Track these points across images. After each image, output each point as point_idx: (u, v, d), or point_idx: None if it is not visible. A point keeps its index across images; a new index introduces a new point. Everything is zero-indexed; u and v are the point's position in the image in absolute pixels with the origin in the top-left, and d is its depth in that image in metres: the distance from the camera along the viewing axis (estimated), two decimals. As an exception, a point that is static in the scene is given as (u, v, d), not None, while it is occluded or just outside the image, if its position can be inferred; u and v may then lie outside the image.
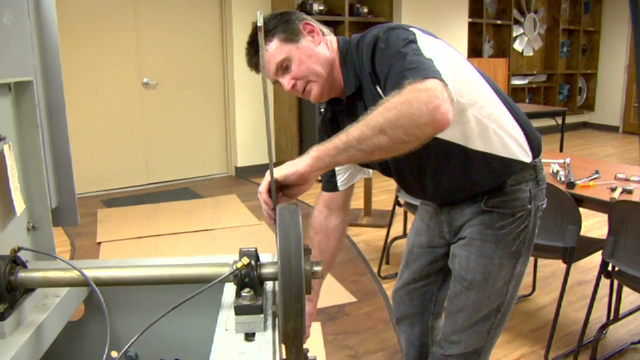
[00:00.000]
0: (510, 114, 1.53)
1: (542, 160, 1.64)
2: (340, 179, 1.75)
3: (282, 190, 1.23)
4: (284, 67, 1.47)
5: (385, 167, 1.64)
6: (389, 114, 1.11)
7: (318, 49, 1.47)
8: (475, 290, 1.62)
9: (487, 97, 1.49)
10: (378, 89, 1.39)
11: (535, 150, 1.57)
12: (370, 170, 1.81)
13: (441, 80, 1.15)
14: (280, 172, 1.19)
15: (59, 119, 1.60)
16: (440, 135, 1.42)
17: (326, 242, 1.82)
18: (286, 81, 1.48)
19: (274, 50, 1.45)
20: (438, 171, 1.54)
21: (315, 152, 1.18)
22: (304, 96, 1.52)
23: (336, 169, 1.74)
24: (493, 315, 1.66)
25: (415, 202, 3.31)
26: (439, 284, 1.89)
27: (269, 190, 1.20)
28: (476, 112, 1.44)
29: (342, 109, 1.56)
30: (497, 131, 1.48)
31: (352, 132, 1.14)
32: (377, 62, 1.35)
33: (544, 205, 1.62)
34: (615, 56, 9.65)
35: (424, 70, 1.19)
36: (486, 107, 1.47)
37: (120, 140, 5.96)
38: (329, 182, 1.77)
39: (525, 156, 1.53)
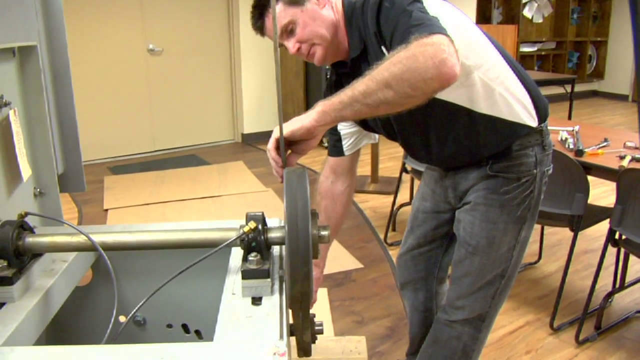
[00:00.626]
0: (517, 77, 1.51)
1: (551, 128, 1.62)
2: (346, 144, 1.74)
3: (290, 146, 1.22)
4: (288, 30, 1.46)
5: (391, 131, 1.63)
6: (394, 68, 1.10)
7: (323, 11, 1.46)
8: (479, 256, 1.62)
9: (493, 60, 1.47)
10: (383, 49, 1.38)
11: (542, 115, 1.55)
12: (377, 136, 1.79)
13: (447, 35, 1.14)
14: (286, 128, 1.17)
15: (64, 84, 1.59)
16: (445, 98, 1.41)
17: (332, 207, 1.82)
18: (291, 44, 1.47)
19: (278, 13, 1.44)
20: (443, 134, 1.53)
21: (321, 107, 1.17)
22: (308, 59, 1.51)
23: (342, 133, 1.73)
24: (497, 280, 1.66)
25: (422, 168, 3.30)
26: (443, 250, 1.90)
27: (277, 148, 1.19)
28: (482, 74, 1.43)
29: (347, 71, 1.55)
30: (503, 94, 1.46)
31: (358, 86, 1.14)
32: (382, 22, 1.34)
33: (550, 171, 1.61)
34: (627, 23, 9.43)
35: (430, 26, 1.18)
36: (492, 69, 1.45)
37: (126, 107, 5.94)
38: (334, 147, 1.76)
39: (532, 120, 1.52)
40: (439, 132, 1.53)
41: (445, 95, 1.29)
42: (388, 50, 1.34)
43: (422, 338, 2.07)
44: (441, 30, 1.16)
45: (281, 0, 1.44)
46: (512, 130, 1.50)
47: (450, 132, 1.52)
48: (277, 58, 1.05)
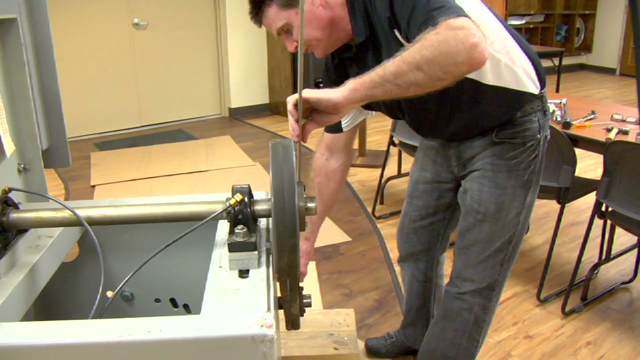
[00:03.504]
0: (519, 46, 1.52)
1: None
2: (345, 120, 1.74)
3: (311, 113, 1.21)
4: (285, 30, 1.48)
5: (393, 109, 1.63)
6: (426, 51, 1.11)
7: (317, 11, 1.44)
8: (488, 222, 1.63)
9: (497, 32, 1.48)
10: (397, 33, 1.37)
11: (542, 81, 1.57)
12: (374, 112, 1.79)
13: (469, 18, 1.16)
14: (314, 93, 1.16)
15: (47, 58, 1.56)
16: None
17: (326, 184, 1.82)
18: (289, 44, 1.49)
19: (272, 16, 1.45)
20: (452, 110, 1.54)
21: (352, 84, 1.17)
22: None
23: None
24: (505, 247, 1.68)
25: (411, 141, 3.31)
26: (446, 221, 1.91)
27: (296, 105, 1.18)
28: (488, 47, 1.42)
29: (351, 56, 1.54)
30: (508, 64, 1.48)
31: (389, 67, 1.14)
32: (396, 6, 1.33)
33: (549, 136, 1.64)
34: (615, -5, 9.48)
35: (452, 8, 1.20)
36: (497, 41, 1.46)
37: (112, 82, 5.87)
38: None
39: (534, 87, 1.54)
40: (447, 108, 1.54)
41: (475, 71, 1.29)
42: (402, 34, 1.34)
43: (419, 308, 2.10)
44: (463, 13, 1.18)
45: (275, 3, 1.44)
46: (517, 98, 1.52)
47: (458, 106, 1.53)
48: (301, 43, 1.03)
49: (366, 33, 1.45)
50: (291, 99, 1.18)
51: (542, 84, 1.57)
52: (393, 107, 1.62)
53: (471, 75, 1.45)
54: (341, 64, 1.61)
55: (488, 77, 1.47)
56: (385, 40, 1.42)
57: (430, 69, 1.11)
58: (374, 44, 1.47)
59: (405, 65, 1.13)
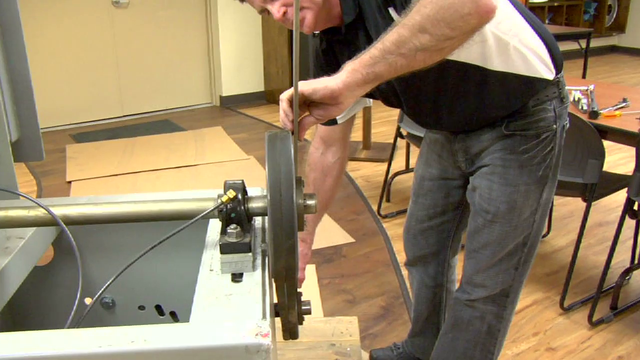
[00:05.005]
0: (531, 26, 1.50)
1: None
2: None
3: (308, 107, 1.18)
4: None
5: (391, 97, 1.62)
6: (425, 9, 1.09)
7: None
8: (499, 223, 1.63)
9: (505, 10, 1.46)
10: (391, 11, 1.36)
11: (558, 65, 1.55)
12: (371, 100, 1.78)
13: None
14: (309, 84, 1.13)
15: (15, 39, 1.56)
16: (455, 58, 1.40)
17: (322, 180, 1.82)
18: (276, 8, 1.41)
19: None
20: (454, 98, 1.53)
21: (350, 66, 1.13)
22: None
23: None
24: (519, 249, 1.67)
25: (420, 133, 3.30)
26: (457, 221, 1.91)
27: (291, 100, 1.15)
28: (494, 28, 1.41)
29: (340, 38, 1.53)
30: (517, 47, 1.46)
31: (389, 37, 1.12)
32: None
33: (568, 126, 1.62)
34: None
35: None
36: (505, 22, 1.44)
37: (90, 67, 5.87)
38: None
39: (549, 72, 1.51)
40: (449, 95, 1.53)
41: (456, 55, 1.27)
42: (397, 11, 1.32)
43: (429, 316, 2.10)
44: None
45: None
46: (529, 85, 1.50)
47: (461, 94, 1.52)
48: (296, 24, 1.02)
49: (355, 10, 1.42)
50: (285, 96, 1.16)
51: (558, 69, 1.55)
52: (388, 93, 1.61)
53: (476, 61, 1.44)
54: (330, 49, 1.59)
55: (494, 61, 1.45)
56: (374, 20, 1.40)
57: (434, 27, 1.09)
58: (364, 24, 1.44)
59: (406, 30, 1.10)
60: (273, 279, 0.98)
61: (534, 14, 1.56)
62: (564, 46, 6.14)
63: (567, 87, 1.61)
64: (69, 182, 4.33)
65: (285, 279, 0.96)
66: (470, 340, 1.81)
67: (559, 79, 1.56)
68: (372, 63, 1.12)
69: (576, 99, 2.94)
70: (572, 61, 7.42)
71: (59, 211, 1.09)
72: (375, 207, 3.81)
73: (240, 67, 6.57)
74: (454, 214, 1.89)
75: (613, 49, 9.99)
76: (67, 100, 5.77)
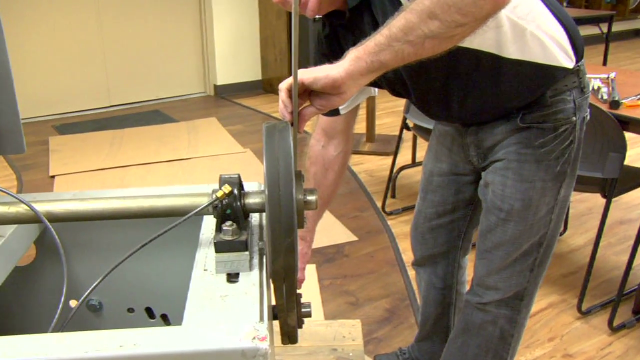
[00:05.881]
0: (550, 10, 1.49)
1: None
2: None
3: (309, 97, 1.18)
4: None
5: (395, 85, 1.62)
6: None
7: None
8: (514, 222, 1.62)
9: None
10: None
11: (579, 52, 1.54)
12: (376, 89, 1.78)
13: None
14: (309, 73, 1.13)
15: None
16: (468, 45, 1.40)
17: (323, 174, 1.82)
18: None
19: None
20: (466, 88, 1.52)
21: (354, 53, 1.13)
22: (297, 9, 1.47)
23: None
24: (535, 249, 1.67)
25: (428, 125, 3.30)
26: (467, 219, 1.91)
27: (291, 90, 1.15)
28: (510, 13, 1.41)
29: (344, 23, 1.52)
30: (535, 33, 1.44)
31: (396, 23, 1.11)
32: None
33: (588, 117, 1.61)
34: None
35: None
36: (521, 5, 1.43)
37: (75, 54, 5.87)
38: None
39: (568, 60, 1.50)
40: (461, 85, 1.52)
41: (468, 42, 1.27)
42: None
43: (437, 320, 2.10)
44: None
45: None
46: (546, 74, 1.49)
47: (474, 84, 1.51)
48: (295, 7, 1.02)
49: None
50: (284, 85, 1.16)
51: (579, 56, 1.54)
52: (395, 83, 1.60)
53: (490, 49, 1.43)
54: (333, 34, 1.59)
55: (510, 48, 1.44)
56: (381, 3, 1.39)
57: (445, 13, 1.08)
58: (370, 8, 1.43)
59: (415, 15, 1.10)
60: (271, 280, 0.98)
61: None
62: (584, 31, 6.12)
63: (587, 75, 1.60)
64: (52, 177, 4.34)
65: (283, 279, 0.97)
66: (481, 346, 1.82)
67: (580, 67, 1.54)
68: (377, 50, 1.12)
69: (596, 87, 2.93)
70: (592, 47, 7.40)
71: (41, 207, 1.09)
72: (379, 204, 3.81)
73: (235, 54, 6.57)
74: (464, 211, 1.89)
75: (637, 33, 9.93)
76: (50, 89, 5.77)
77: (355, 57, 1.13)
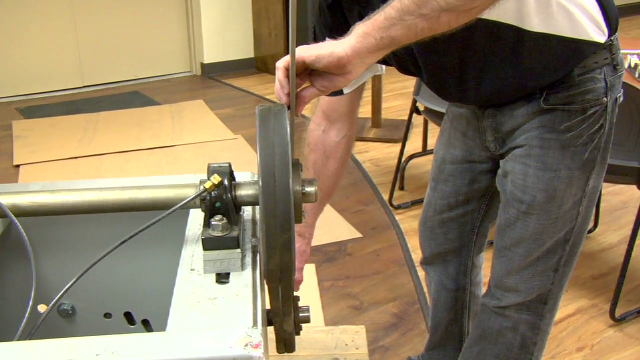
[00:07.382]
0: None
1: (616, 51, 1.61)
2: None
3: (310, 77, 1.18)
4: None
5: (408, 64, 1.62)
6: None
7: None
8: (536, 215, 1.62)
9: None
10: None
11: (612, 24, 1.53)
12: (383, 67, 1.78)
13: None
14: (311, 50, 1.12)
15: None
16: (487, 16, 1.39)
17: (323, 163, 1.82)
18: None
19: None
20: (483, 65, 1.51)
21: (361, 29, 1.13)
22: None
23: None
24: (560, 247, 1.67)
25: (441, 108, 3.30)
26: (482, 212, 1.91)
27: (288, 68, 1.14)
28: None
29: None
30: (562, 3, 1.44)
31: None
32: None
33: (622, 99, 1.60)
34: None
35: None
36: None
37: (42, 28, 5.86)
38: None
39: (600, 34, 1.49)
40: (477, 61, 1.52)
41: (486, 13, 1.27)
42: None
43: (449, 325, 2.11)
44: None
45: None
46: (574, 50, 1.48)
47: (492, 60, 1.50)
48: None
49: None
50: (281, 64, 1.15)
51: (612, 29, 1.53)
52: (405, 58, 1.60)
53: (511, 20, 1.43)
54: (337, 3, 1.59)
55: (533, 21, 1.44)
56: None
57: None
58: None
59: None
60: (265, 281, 0.98)
61: None
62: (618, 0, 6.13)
63: (622, 51, 1.59)
64: (17, 166, 4.34)
65: (279, 280, 0.97)
66: (500, 355, 1.82)
67: (612, 41, 1.53)
68: (388, 25, 1.12)
69: (632, 65, 2.93)
70: (627, 19, 7.39)
71: (6, 200, 1.09)
72: (386, 196, 3.82)
73: (225, 29, 6.56)
74: (479, 203, 1.89)
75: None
76: (13, 66, 5.77)
77: (362, 33, 1.13)
